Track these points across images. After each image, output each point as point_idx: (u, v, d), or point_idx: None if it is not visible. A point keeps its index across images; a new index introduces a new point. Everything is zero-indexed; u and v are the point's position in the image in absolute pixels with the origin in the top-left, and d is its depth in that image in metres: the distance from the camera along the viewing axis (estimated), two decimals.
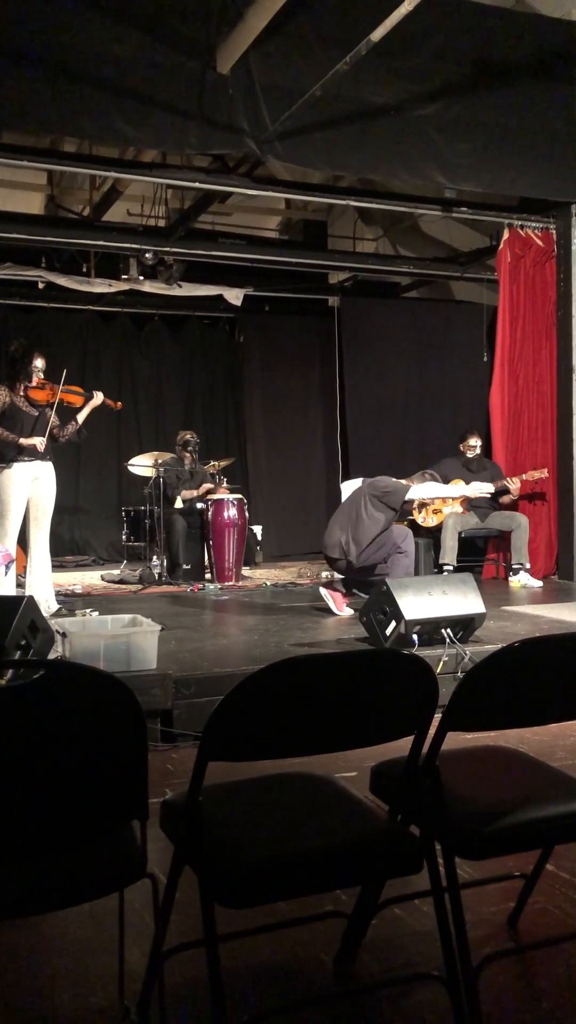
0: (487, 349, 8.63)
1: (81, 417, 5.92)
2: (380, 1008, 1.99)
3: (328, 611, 5.94)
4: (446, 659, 4.42)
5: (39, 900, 1.64)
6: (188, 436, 8.32)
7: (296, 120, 5.76)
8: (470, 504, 7.53)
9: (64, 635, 4.06)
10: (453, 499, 7.12)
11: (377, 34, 4.90)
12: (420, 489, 5.71)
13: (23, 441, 5.52)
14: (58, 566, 7.60)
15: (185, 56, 5.65)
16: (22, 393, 5.64)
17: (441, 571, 7.00)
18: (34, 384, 5.66)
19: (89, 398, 5.97)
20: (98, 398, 5.98)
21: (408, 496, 5.72)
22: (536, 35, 6.65)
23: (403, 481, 5.79)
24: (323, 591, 6.05)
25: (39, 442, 5.57)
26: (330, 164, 6.41)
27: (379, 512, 5.73)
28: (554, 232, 7.71)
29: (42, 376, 5.72)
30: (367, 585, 5.57)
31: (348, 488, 5.88)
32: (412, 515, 7.46)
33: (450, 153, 6.55)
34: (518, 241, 7.70)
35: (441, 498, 7.23)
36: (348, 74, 5.39)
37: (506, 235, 7.69)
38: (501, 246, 7.75)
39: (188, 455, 8.23)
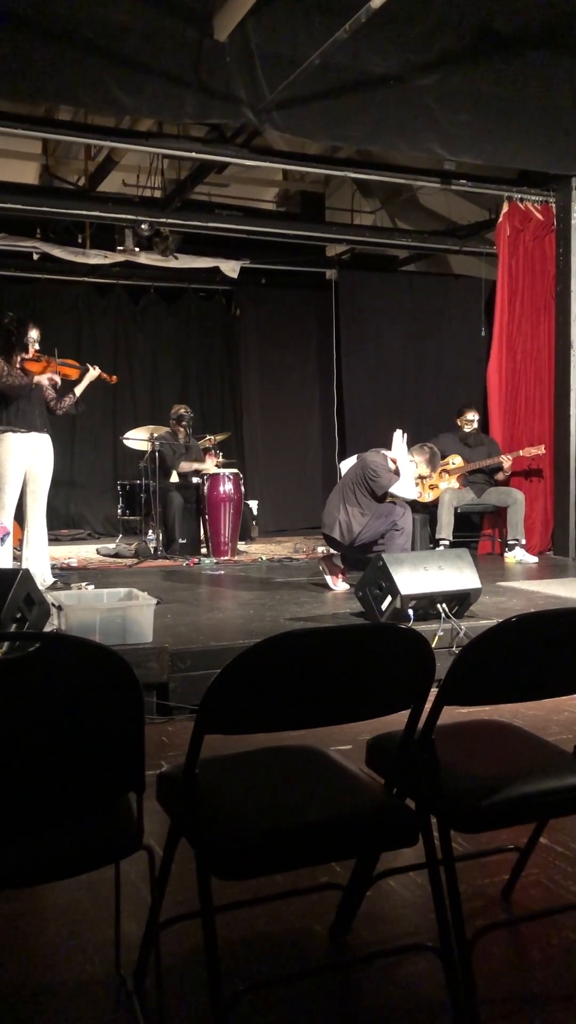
0: (485, 323, 8.59)
1: (79, 390, 5.92)
2: (375, 979, 2.01)
3: (324, 586, 5.95)
4: (441, 634, 4.43)
5: (36, 871, 1.64)
6: (182, 410, 8.28)
7: (294, 89, 5.68)
8: (466, 480, 7.53)
9: (60, 608, 4.06)
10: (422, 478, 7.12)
11: (377, 1, 4.82)
12: (399, 488, 5.69)
13: (39, 379, 5.53)
14: (53, 540, 7.58)
15: (182, 23, 5.57)
16: (18, 365, 5.61)
17: (437, 546, 7.01)
18: (30, 356, 5.64)
19: (85, 371, 5.96)
20: (94, 372, 5.98)
21: (390, 490, 5.70)
22: (539, 5, 6.55)
23: (391, 466, 5.76)
24: (321, 565, 6.06)
25: (55, 378, 5.60)
26: (328, 134, 6.34)
27: (369, 492, 5.73)
28: (554, 205, 7.65)
29: (37, 348, 5.69)
30: (365, 563, 5.58)
31: (345, 466, 5.85)
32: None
33: (450, 124, 6.48)
34: (517, 214, 7.64)
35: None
36: (347, 43, 5.31)
37: (505, 208, 7.63)
38: (500, 219, 7.69)
39: (182, 429, 8.20)
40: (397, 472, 5.70)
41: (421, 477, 5.95)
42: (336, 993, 1.99)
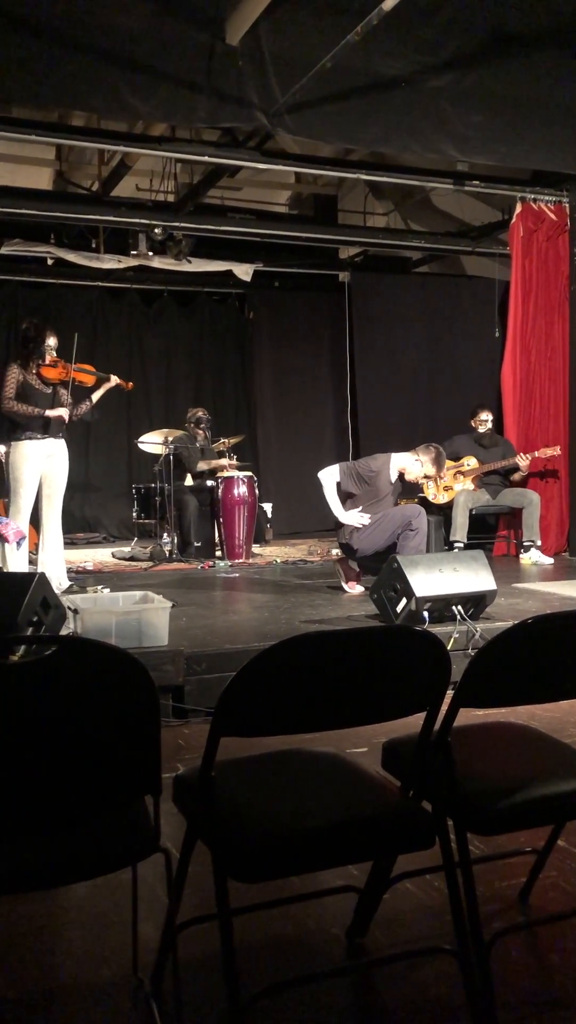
0: (499, 324, 8.56)
1: (96, 397, 5.94)
2: (392, 981, 2.00)
3: (339, 588, 5.94)
4: (457, 636, 4.42)
5: (54, 874, 1.65)
6: (200, 413, 8.31)
7: (306, 92, 5.69)
8: (481, 481, 7.51)
9: (76, 612, 4.08)
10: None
11: (389, 3, 4.81)
12: (346, 517, 5.70)
13: (49, 413, 5.55)
14: (69, 543, 7.61)
15: (194, 28, 5.58)
16: (35, 371, 5.64)
17: (452, 548, 6.99)
18: (47, 362, 5.67)
19: (104, 379, 5.99)
20: (113, 380, 6.01)
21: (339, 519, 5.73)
22: (551, 4, 6.53)
23: (334, 476, 5.72)
24: (337, 567, 6.06)
25: (64, 413, 5.61)
26: (341, 137, 6.34)
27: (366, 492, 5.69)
28: (567, 205, 7.63)
29: (55, 355, 5.72)
30: (380, 566, 5.55)
31: (329, 475, 5.80)
32: (423, 492, 7.44)
33: (462, 125, 6.46)
34: (531, 215, 7.62)
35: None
36: (359, 45, 5.31)
37: (519, 209, 7.61)
38: (513, 220, 7.67)
39: (201, 432, 8.22)
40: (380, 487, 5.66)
41: (428, 477, 5.92)
42: (353, 996, 1.99)
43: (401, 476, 5.77)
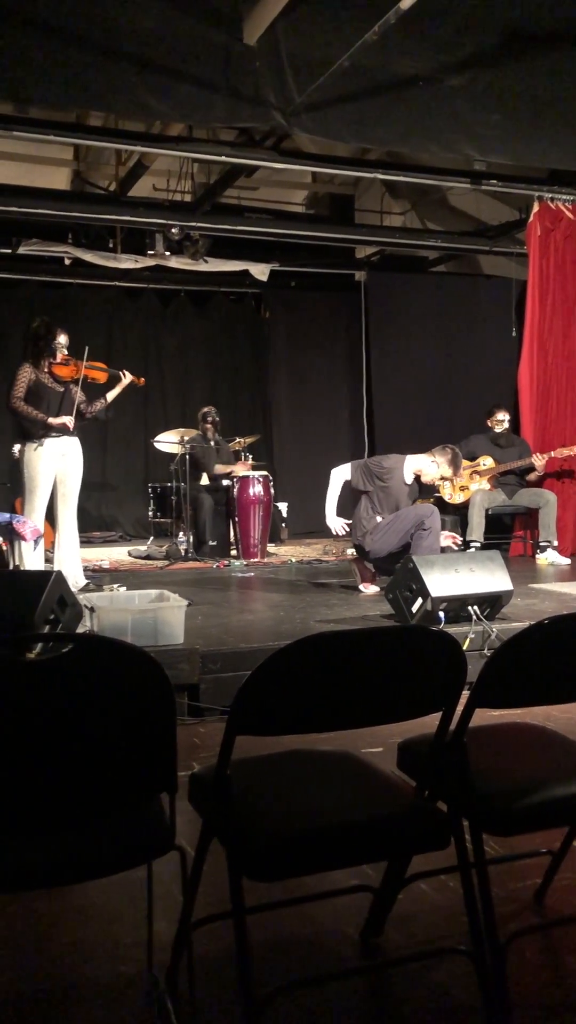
0: (516, 324, 8.53)
1: (111, 396, 5.96)
2: (407, 982, 2.00)
3: (354, 588, 5.94)
4: (473, 636, 4.41)
5: (70, 871, 1.66)
6: (205, 409, 8.35)
7: (323, 92, 5.68)
8: (497, 481, 7.48)
9: (92, 610, 4.09)
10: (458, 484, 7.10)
11: (406, 3, 4.80)
12: (330, 520, 5.84)
13: (52, 421, 5.55)
14: (85, 542, 7.65)
15: (211, 28, 5.59)
16: (46, 370, 5.66)
17: (468, 548, 6.97)
18: (58, 360, 5.69)
19: (116, 377, 6.00)
20: (126, 378, 6.03)
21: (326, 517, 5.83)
22: (569, 3, 6.49)
23: (345, 475, 5.77)
24: (353, 566, 6.05)
25: (69, 421, 5.60)
26: (357, 136, 6.33)
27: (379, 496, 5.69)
28: None
29: (66, 352, 5.74)
30: (390, 573, 5.54)
31: (340, 475, 5.84)
32: (439, 492, 7.42)
33: (479, 124, 6.44)
34: (548, 214, 7.58)
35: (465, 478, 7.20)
36: (376, 44, 5.30)
37: (536, 208, 7.57)
38: (531, 219, 7.64)
39: (209, 427, 8.24)
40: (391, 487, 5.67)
41: (444, 478, 5.90)
42: (368, 996, 1.99)
43: (417, 478, 5.75)
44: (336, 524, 5.78)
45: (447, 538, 5.81)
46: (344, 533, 5.81)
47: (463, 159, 6.80)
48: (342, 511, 5.89)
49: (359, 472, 5.73)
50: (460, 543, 5.99)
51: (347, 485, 5.85)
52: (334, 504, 5.80)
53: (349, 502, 5.91)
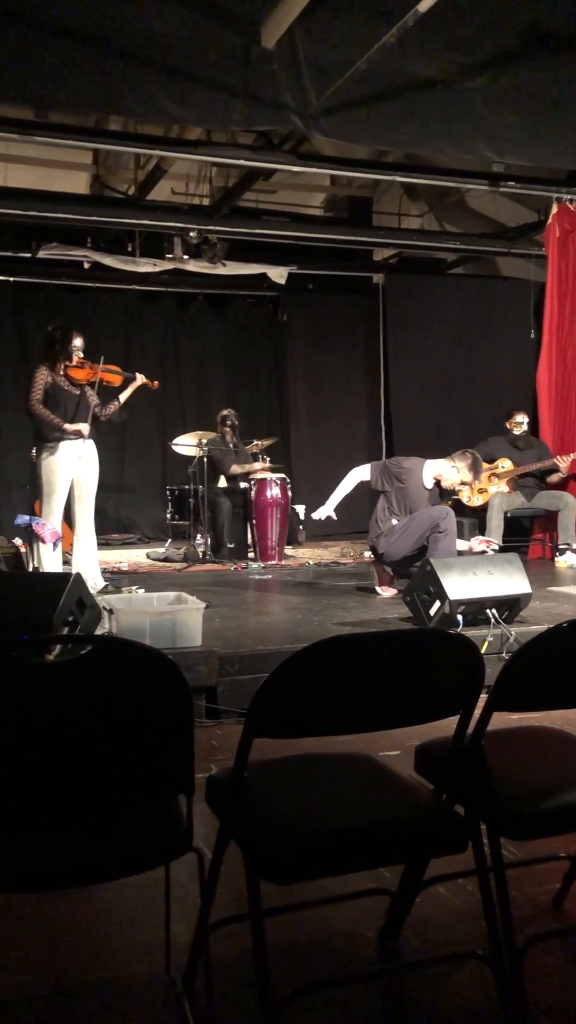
0: (534, 326, 8.49)
1: (123, 397, 6.00)
2: (424, 985, 2.00)
3: (372, 590, 5.93)
4: (491, 640, 4.39)
5: (89, 872, 1.66)
6: (225, 412, 8.36)
7: (341, 95, 5.69)
8: (516, 483, 7.45)
9: (111, 612, 4.11)
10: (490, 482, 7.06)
11: (424, 5, 4.80)
12: (320, 510, 5.88)
13: (68, 427, 5.58)
14: (104, 544, 7.68)
15: (230, 32, 5.60)
16: (62, 373, 5.70)
17: (485, 552, 6.93)
18: (74, 363, 5.73)
19: (130, 379, 6.04)
20: (139, 379, 6.07)
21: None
22: None
23: (363, 475, 5.79)
24: (371, 568, 6.04)
25: (84, 428, 5.64)
26: (375, 139, 6.33)
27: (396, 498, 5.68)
28: None
29: (81, 355, 5.78)
30: (407, 576, 5.53)
31: (357, 475, 5.86)
32: (457, 495, 7.40)
33: (498, 126, 6.42)
34: (567, 215, 7.55)
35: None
36: (394, 47, 5.30)
37: (555, 209, 7.54)
38: (549, 221, 7.61)
39: (228, 430, 8.25)
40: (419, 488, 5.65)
41: (465, 483, 5.88)
42: (385, 999, 1.99)
43: (438, 483, 5.74)
44: (324, 512, 5.81)
45: (482, 543, 5.80)
46: (323, 519, 5.85)
47: (481, 161, 6.77)
48: (357, 515, 5.89)
49: (378, 472, 5.73)
50: (496, 547, 5.96)
51: (366, 488, 5.84)
52: (337, 498, 5.83)
53: (366, 506, 5.91)
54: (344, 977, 2.05)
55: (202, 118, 5.85)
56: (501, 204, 9.11)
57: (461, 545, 5.78)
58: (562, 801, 1.85)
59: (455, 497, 7.40)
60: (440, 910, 2.30)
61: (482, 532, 7.20)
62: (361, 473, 5.80)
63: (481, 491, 7.42)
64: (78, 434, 5.63)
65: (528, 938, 2.01)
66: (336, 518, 5.87)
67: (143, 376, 6.14)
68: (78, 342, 5.75)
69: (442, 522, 5.41)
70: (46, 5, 5.19)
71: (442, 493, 5.96)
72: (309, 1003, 1.91)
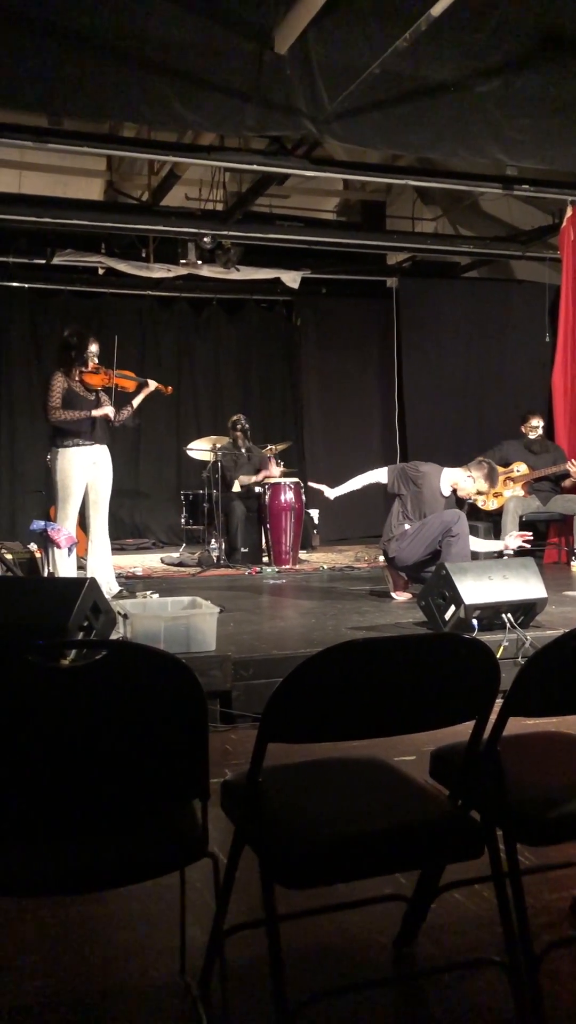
0: (549, 329, 8.47)
1: (136, 402, 6.03)
2: (440, 992, 1.99)
3: (386, 595, 5.92)
4: (506, 644, 4.37)
5: (104, 876, 1.67)
6: (235, 417, 8.37)
7: (354, 99, 5.69)
8: (531, 487, 7.42)
9: (126, 616, 4.12)
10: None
11: (437, 9, 4.80)
12: (330, 491, 5.89)
13: (95, 412, 5.64)
14: (119, 549, 7.70)
15: (243, 38, 5.62)
16: (77, 378, 5.73)
17: (501, 555, 6.91)
18: (89, 369, 5.75)
19: (143, 384, 6.08)
20: (152, 385, 6.10)
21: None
22: None
23: (380, 477, 5.80)
24: (386, 572, 6.03)
25: (110, 411, 5.72)
26: (388, 143, 6.33)
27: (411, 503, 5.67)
28: None
29: (96, 361, 5.81)
30: (423, 580, 5.51)
31: (370, 478, 5.88)
32: (473, 501, 7.37)
33: (511, 130, 6.41)
34: None
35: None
36: (407, 51, 5.30)
37: (569, 212, 7.52)
38: (564, 223, 7.59)
39: (240, 435, 8.26)
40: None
41: (480, 493, 5.86)
42: (401, 1005, 1.98)
43: (454, 491, 5.73)
44: (328, 491, 5.90)
45: (518, 537, 5.79)
46: (323, 493, 5.92)
47: (495, 164, 6.77)
48: (371, 519, 5.90)
49: (395, 475, 5.73)
50: (529, 539, 5.95)
51: (381, 492, 5.85)
52: (344, 490, 5.88)
53: (381, 511, 5.91)
54: (359, 983, 2.04)
55: (216, 124, 5.87)
56: (515, 207, 9.09)
57: (495, 546, 5.78)
58: None
59: (470, 501, 7.37)
60: (456, 916, 2.29)
61: (497, 536, 7.18)
62: (378, 475, 5.81)
63: (496, 495, 7.40)
64: (106, 418, 5.69)
65: (545, 945, 2.00)
66: (332, 499, 5.94)
67: (156, 382, 6.17)
68: (94, 348, 5.78)
69: (454, 526, 5.38)
70: (61, 14, 5.22)
71: (458, 502, 5.94)
72: (324, 1009, 1.91)
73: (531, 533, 6.09)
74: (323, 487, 5.93)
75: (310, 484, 6.02)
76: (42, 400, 5.75)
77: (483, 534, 6.93)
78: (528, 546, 5.71)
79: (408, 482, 5.66)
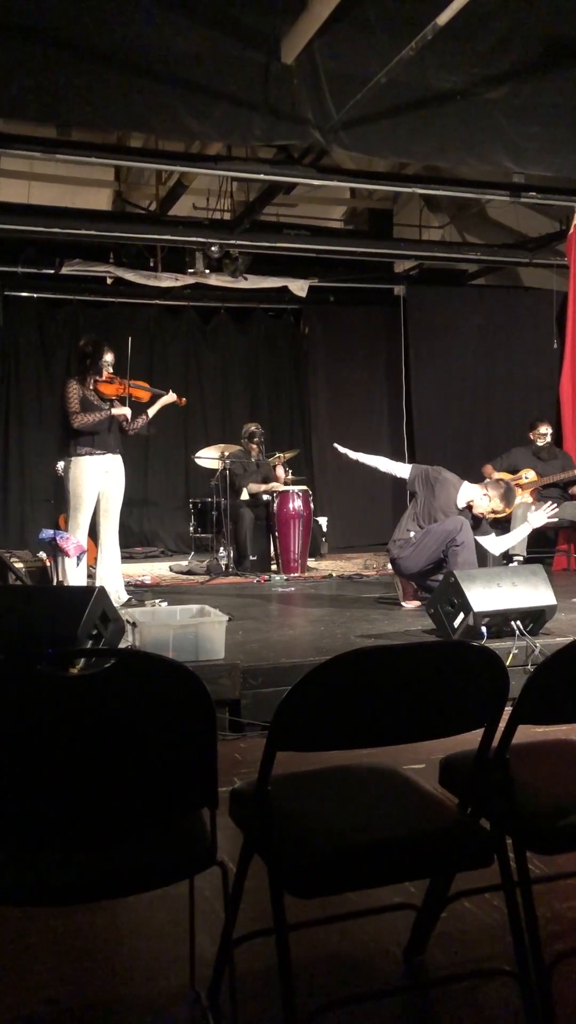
0: (557, 336, 8.46)
1: (152, 412, 6.05)
2: (451, 1001, 1.98)
3: (395, 602, 5.91)
4: (516, 652, 4.36)
5: (113, 885, 1.67)
6: (253, 428, 8.37)
7: (361, 108, 5.71)
8: (540, 494, 7.41)
9: (134, 625, 4.12)
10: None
11: (443, 17, 4.82)
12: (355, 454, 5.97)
13: (115, 411, 5.69)
14: (127, 557, 7.71)
15: (249, 48, 5.65)
16: (92, 387, 5.75)
17: (510, 562, 6.90)
18: (104, 378, 5.78)
19: (159, 394, 6.10)
20: (170, 396, 6.13)
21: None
22: None
23: (401, 471, 5.88)
24: (396, 579, 6.02)
25: (127, 411, 5.78)
26: (395, 152, 6.35)
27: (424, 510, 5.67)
28: None
29: (111, 371, 5.83)
30: (428, 588, 5.50)
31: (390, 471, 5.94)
32: (485, 517, 7.35)
33: (518, 137, 6.42)
34: None
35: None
36: (413, 59, 5.32)
37: None
38: (571, 230, 7.59)
39: (255, 447, 8.28)
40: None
41: (494, 512, 5.84)
42: (411, 1015, 1.97)
43: (469, 507, 5.72)
44: (347, 451, 6.04)
45: (541, 512, 5.84)
46: (340, 450, 6.04)
47: (502, 172, 6.78)
48: (380, 527, 5.90)
49: (417, 473, 5.77)
50: (551, 507, 5.96)
51: (391, 499, 5.85)
52: (364, 459, 6.02)
53: (390, 519, 5.90)
54: (369, 992, 2.04)
55: (223, 134, 5.90)
56: (522, 214, 9.10)
57: (523, 532, 5.93)
58: None
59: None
60: (466, 925, 2.28)
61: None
62: (399, 469, 5.87)
63: None
64: (124, 419, 5.76)
65: (555, 954, 1.99)
66: (351, 458, 6.04)
67: (173, 393, 6.19)
68: (109, 357, 5.82)
69: (457, 535, 5.36)
70: (69, 26, 5.25)
71: (474, 519, 5.92)
72: (334, 1018, 1.90)
73: (555, 505, 6.10)
74: (346, 450, 6.00)
75: (335, 446, 6.09)
76: (61, 410, 5.77)
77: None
78: (555, 519, 5.71)
79: (426, 484, 5.66)
